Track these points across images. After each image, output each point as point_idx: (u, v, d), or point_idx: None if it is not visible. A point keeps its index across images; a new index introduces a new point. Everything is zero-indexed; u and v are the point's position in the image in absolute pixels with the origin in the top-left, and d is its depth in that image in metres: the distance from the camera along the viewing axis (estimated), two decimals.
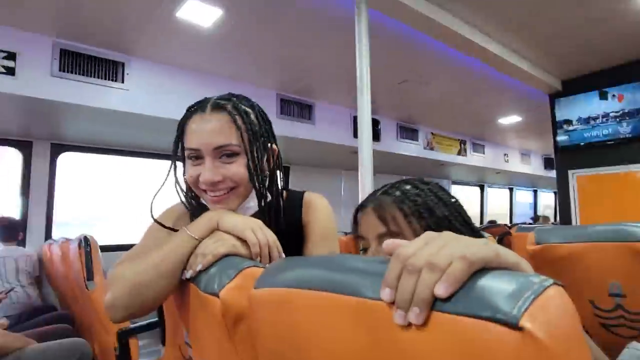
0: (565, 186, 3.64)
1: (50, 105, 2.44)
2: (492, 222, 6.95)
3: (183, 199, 0.91)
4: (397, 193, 0.75)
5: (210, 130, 0.80)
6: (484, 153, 5.82)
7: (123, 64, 2.66)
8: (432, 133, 4.97)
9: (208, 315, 0.66)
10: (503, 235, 3.22)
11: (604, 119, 3.36)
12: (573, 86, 3.58)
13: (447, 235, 0.40)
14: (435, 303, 0.34)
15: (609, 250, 0.96)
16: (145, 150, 3.67)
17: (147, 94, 2.75)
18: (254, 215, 0.86)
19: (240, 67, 3.04)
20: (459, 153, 5.36)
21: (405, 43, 2.72)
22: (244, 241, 0.74)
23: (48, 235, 3.15)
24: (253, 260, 0.72)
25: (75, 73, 2.47)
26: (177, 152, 0.88)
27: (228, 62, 2.95)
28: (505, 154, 6.29)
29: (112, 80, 2.61)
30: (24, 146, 3.10)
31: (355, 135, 3.10)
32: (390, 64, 3.07)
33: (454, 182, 7.08)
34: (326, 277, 0.44)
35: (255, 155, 0.83)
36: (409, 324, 0.34)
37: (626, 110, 3.24)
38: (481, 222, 7.32)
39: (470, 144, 5.57)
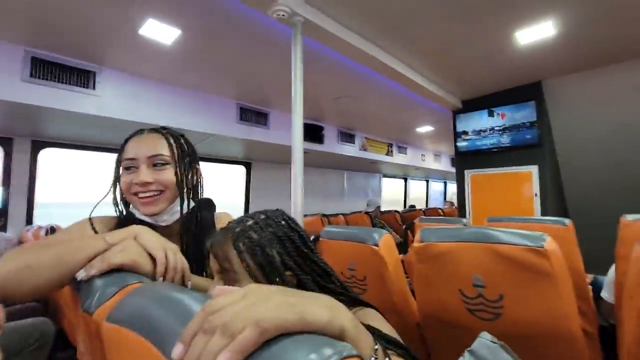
0: (462, 181, 3.74)
1: (22, 107, 2.12)
2: (412, 207, 7.14)
3: (120, 207, 0.82)
4: (237, 230, 0.63)
5: (146, 143, 0.79)
6: (406, 154, 5.91)
7: (94, 73, 2.36)
8: (366, 137, 4.94)
9: (89, 332, 0.53)
10: (409, 225, 3.25)
11: (491, 132, 3.46)
12: (470, 105, 3.66)
13: (267, 292, 0.29)
14: None
15: (473, 249, 0.92)
16: (117, 147, 3.31)
17: (118, 101, 2.47)
18: (177, 222, 0.82)
19: (202, 79, 2.81)
20: (387, 154, 5.39)
21: (341, 66, 2.62)
22: (152, 260, 0.61)
23: (29, 221, 2.80)
24: (153, 278, 0.60)
25: (47, 79, 2.15)
26: (118, 169, 0.81)
27: (191, 75, 2.71)
28: (422, 155, 6.43)
29: (84, 87, 2.31)
30: (5, 142, 2.71)
31: (304, 138, 3.01)
32: (329, 82, 2.98)
33: (384, 176, 7.17)
34: (157, 325, 0.32)
35: (182, 167, 0.81)
36: None
37: (506, 126, 3.35)
38: (404, 206, 7.51)
39: (395, 147, 5.61)
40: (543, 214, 3.10)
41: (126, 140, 0.82)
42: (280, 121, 3.66)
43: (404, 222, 4.84)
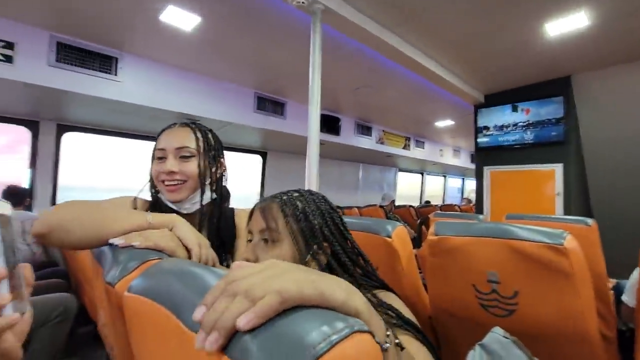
0: (481, 178, 3.66)
1: (48, 91, 2.20)
2: (427, 202, 7.05)
3: (152, 192, 0.90)
4: (285, 197, 0.69)
5: (174, 135, 0.86)
6: (424, 148, 5.82)
7: (117, 59, 2.42)
8: (383, 130, 4.89)
9: (110, 303, 0.56)
10: (424, 220, 3.21)
11: (514, 127, 3.36)
12: (493, 99, 3.56)
13: (287, 267, 0.31)
14: (235, 336, 0.25)
15: (489, 244, 0.90)
16: (137, 133, 3.40)
17: (138, 87, 2.52)
18: (198, 211, 0.88)
19: (221, 67, 2.83)
20: (404, 147, 5.32)
21: (360, 56, 2.59)
22: (187, 252, 0.68)
23: (53, 201, 2.93)
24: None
25: (72, 64, 2.22)
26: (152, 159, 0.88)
27: (210, 63, 2.74)
28: (440, 150, 6.31)
29: (107, 72, 2.37)
30: (32, 125, 2.83)
31: (321, 130, 3.03)
32: (348, 72, 2.95)
33: (401, 170, 7.09)
34: (176, 295, 0.34)
35: (206, 159, 0.87)
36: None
37: (531, 122, 3.25)
38: (420, 202, 7.42)
39: (413, 141, 5.53)
40: (566, 213, 3.01)
41: (160, 133, 0.89)
42: (297, 111, 3.67)
43: (418, 217, 4.79)
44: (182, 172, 0.83)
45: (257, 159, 4.58)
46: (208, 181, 0.87)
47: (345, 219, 1.32)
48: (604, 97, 3.04)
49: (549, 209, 3.09)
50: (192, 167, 0.84)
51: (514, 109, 3.35)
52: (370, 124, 4.67)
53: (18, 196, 2.63)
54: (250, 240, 0.70)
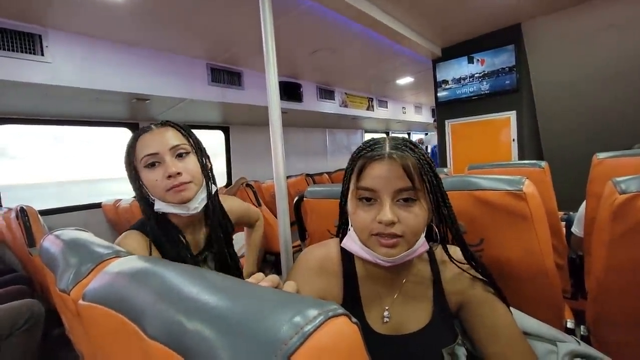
0: (443, 131, 3.77)
1: None
2: None
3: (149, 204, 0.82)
4: (410, 150, 0.61)
5: (161, 136, 0.79)
6: (387, 107, 5.84)
7: (40, 37, 2.12)
8: (346, 93, 4.82)
9: (68, 311, 0.52)
10: None
11: (470, 79, 3.42)
12: (450, 52, 3.57)
13: None
14: (198, 336, 0.23)
15: (456, 197, 0.93)
16: (81, 119, 3.13)
17: (73, 67, 2.24)
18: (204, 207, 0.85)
19: (166, 39, 2.57)
20: (367, 109, 5.31)
21: (315, 16, 2.46)
22: None
23: None
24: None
25: None
26: (133, 170, 0.80)
27: (154, 35, 2.47)
28: (403, 107, 6.37)
29: (30, 53, 2.08)
30: None
31: (282, 97, 2.92)
32: (304, 35, 2.81)
33: (366, 131, 7.14)
34: (131, 299, 0.31)
35: (200, 154, 0.84)
36: None
37: (486, 72, 3.32)
38: None
39: (376, 101, 5.52)
40: (520, 158, 3.20)
41: (135, 139, 0.80)
42: (255, 80, 3.49)
43: None
44: (185, 171, 0.78)
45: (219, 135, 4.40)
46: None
47: (315, 188, 1.31)
48: (551, 44, 3.15)
49: (506, 154, 3.27)
50: (192, 164, 0.81)
51: (470, 61, 3.39)
52: (332, 87, 4.58)
53: None
54: (367, 200, 0.60)
